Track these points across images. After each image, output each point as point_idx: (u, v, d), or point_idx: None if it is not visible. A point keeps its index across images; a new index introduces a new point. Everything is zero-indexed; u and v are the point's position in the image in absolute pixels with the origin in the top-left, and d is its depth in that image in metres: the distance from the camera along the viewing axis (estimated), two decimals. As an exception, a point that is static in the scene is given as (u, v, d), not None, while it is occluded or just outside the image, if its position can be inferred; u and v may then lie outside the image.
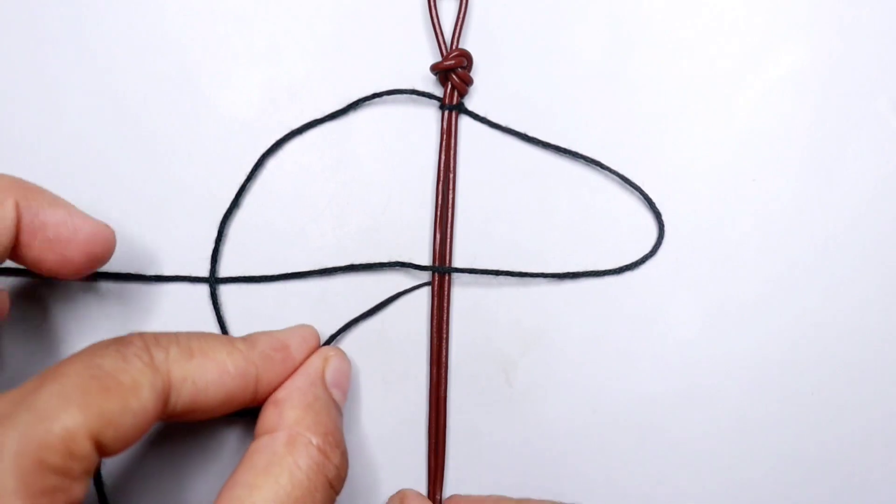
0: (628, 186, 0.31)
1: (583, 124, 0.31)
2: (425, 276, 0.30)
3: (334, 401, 0.25)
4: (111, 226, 0.25)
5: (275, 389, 0.25)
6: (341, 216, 0.30)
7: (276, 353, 0.25)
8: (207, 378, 0.22)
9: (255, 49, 0.31)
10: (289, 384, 0.25)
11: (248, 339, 0.25)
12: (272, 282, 0.29)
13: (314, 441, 0.23)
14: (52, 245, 0.24)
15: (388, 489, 0.29)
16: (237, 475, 0.22)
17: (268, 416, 0.24)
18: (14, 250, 0.24)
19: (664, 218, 0.30)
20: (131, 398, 0.20)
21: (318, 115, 0.30)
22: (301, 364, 0.26)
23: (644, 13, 0.32)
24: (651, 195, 0.30)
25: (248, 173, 0.30)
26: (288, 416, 0.23)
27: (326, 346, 0.28)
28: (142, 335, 0.22)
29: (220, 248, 0.29)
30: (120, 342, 0.21)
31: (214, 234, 0.29)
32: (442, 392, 0.29)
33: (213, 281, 0.29)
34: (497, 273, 0.29)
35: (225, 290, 0.29)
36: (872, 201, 0.31)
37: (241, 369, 0.23)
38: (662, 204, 0.30)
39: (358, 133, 0.31)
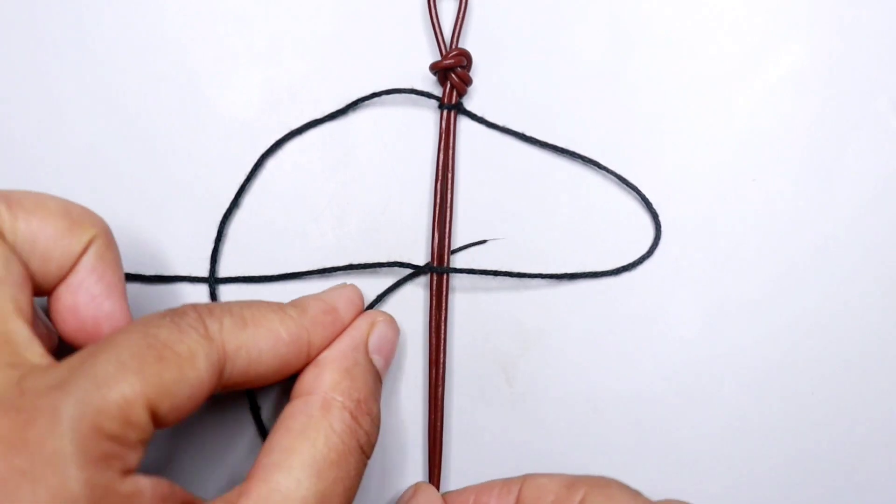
0: (627, 187, 0.31)
1: (582, 124, 0.31)
2: (424, 275, 0.30)
3: (374, 367, 0.26)
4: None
5: (325, 349, 0.25)
6: (341, 216, 0.30)
7: (326, 316, 0.25)
8: (261, 347, 0.23)
9: (255, 49, 0.31)
10: (333, 345, 0.25)
11: (298, 305, 0.25)
12: (272, 282, 0.29)
13: (348, 406, 0.23)
14: (76, 295, 0.23)
15: (387, 489, 0.29)
16: (273, 439, 0.22)
17: (306, 377, 0.24)
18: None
19: (664, 218, 0.30)
20: (187, 368, 0.20)
21: (318, 115, 0.30)
22: (348, 325, 0.26)
23: (644, 13, 0.32)
24: (651, 195, 0.30)
25: (247, 173, 0.30)
26: (325, 380, 0.24)
27: (375, 311, 0.27)
28: (195, 306, 0.22)
29: (220, 248, 0.29)
30: (174, 313, 0.22)
31: (214, 234, 0.29)
32: (440, 392, 0.29)
33: (213, 281, 0.29)
34: (495, 273, 0.29)
35: (224, 291, 0.29)
36: (872, 201, 0.31)
37: (293, 336, 0.24)
38: (662, 204, 0.30)
39: (357, 133, 0.31)
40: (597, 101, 0.31)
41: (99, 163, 0.30)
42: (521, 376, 0.30)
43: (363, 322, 0.26)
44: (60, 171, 0.29)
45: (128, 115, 0.30)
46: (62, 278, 0.23)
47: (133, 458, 0.19)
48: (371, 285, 0.30)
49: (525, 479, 0.27)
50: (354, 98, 0.30)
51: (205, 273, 0.29)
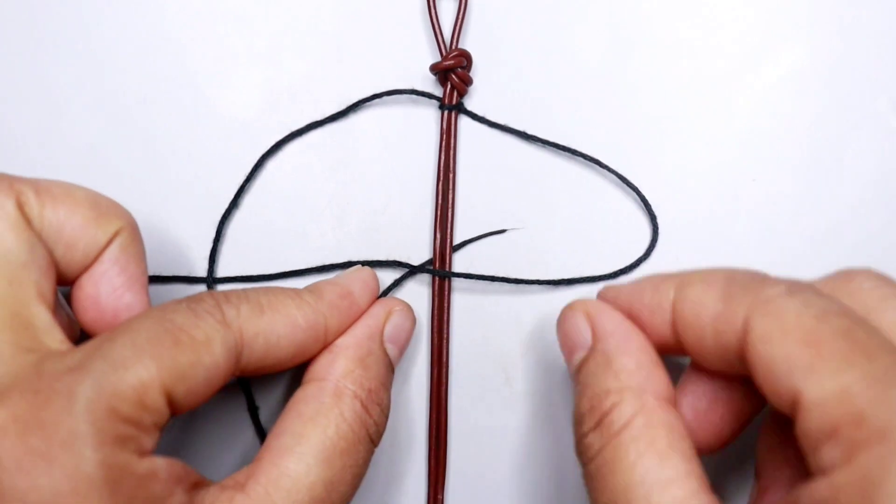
0: (627, 187, 0.30)
1: (582, 125, 0.31)
2: (426, 275, 0.30)
3: (387, 357, 0.26)
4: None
5: (341, 335, 0.25)
6: (341, 216, 0.30)
7: (343, 301, 0.25)
8: (279, 333, 0.23)
9: (255, 49, 0.31)
10: (348, 332, 0.25)
11: (314, 290, 0.25)
12: (270, 281, 0.29)
13: (359, 395, 0.23)
14: (98, 286, 0.23)
15: (389, 489, 0.29)
16: (284, 423, 0.23)
17: (320, 363, 0.24)
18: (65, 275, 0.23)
19: (664, 218, 0.30)
20: (204, 353, 0.20)
21: (319, 116, 0.30)
22: (365, 309, 0.26)
23: (644, 13, 0.32)
24: (650, 196, 0.30)
25: (247, 174, 0.30)
26: (338, 367, 0.24)
27: (393, 298, 0.28)
28: (212, 293, 0.22)
29: (219, 248, 0.29)
30: (191, 300, 0.22)
31: (213, 234, 0.29)
32: (443, 392, 0.29)
33: (211, 281, 0.29)
34: (493, 279, 0.29)
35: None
36: (872, 201, 0.31)
37: (310, 321, 0.24)
38: (662, 204, 0.30)
39: (357, 133, 0.31)
40: (597, 101, 0.31)
41: (99, 163, 0.30)
42: (521, 376, 0.30)
43: (380, 310, 0.26)
44: (60, 171, 0.29)
45: (128, 115, 0.30)
46: (86, 268, 0.23)
47: (147, 441, 0.20)
48: (371, 285, 0.30)
49: (678, 285, 0.22)
50: (354, 98, 0.30)
51: (204, 274, 0.29)
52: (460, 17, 0.31)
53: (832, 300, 0.20)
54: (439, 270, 0.29)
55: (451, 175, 0.30)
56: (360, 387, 0.24)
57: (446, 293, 0.29)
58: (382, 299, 0.27)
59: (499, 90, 0.31)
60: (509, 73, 0.31)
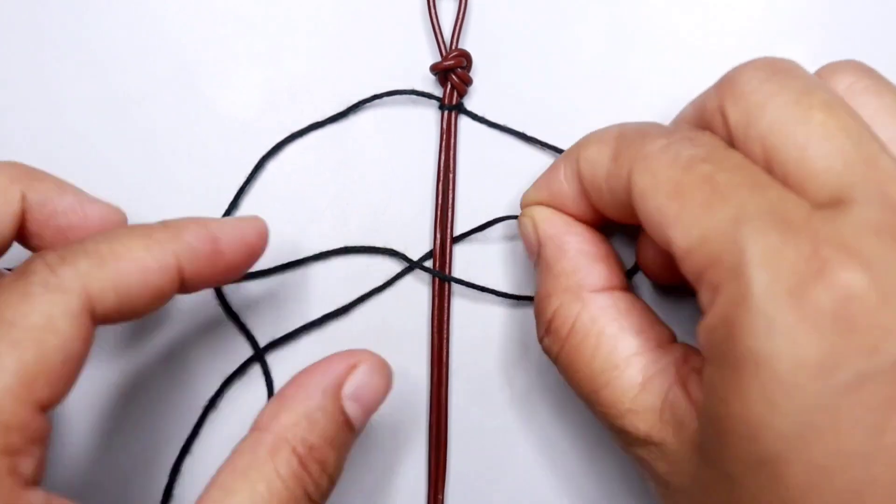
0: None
1: (582, 125, 0.31)
2: (426, 272, 0.30)
3: (342, 415, 0.23)
4: (122, 210, 0.25)
5: (205, 285, 0.23)
6: (341, 217, 0.30)
7: (203, 246, 0.23)
8: (129, 281, 0.21)
9: (255, 49, 0.31)
10: (303, 381, 0.23)
11: (171, 227, 0.23)
12: (268, 276, 0.29)
13: (298, 450, 0.21)
14: (64, 233, 0.23)
15: (389, 490, 0.29)
16: (219, 475, 0.21)
17: (267, 410, 0.23)
18: (25, 241, 0.23)
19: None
20: (49, 336, 0.19)
21: (318, 116, 0.30)
22: (232, 263, 0.24)
23: (644, 13, 0.32)
24: (651, 195, 0.30)
25: (248, 175, 0.30)
26: (282, 419, 0.22)
27: (361, 351, 0.24)
28: (43, 256, 0.20)
29: (219, 247, 0.29)
30: (20, 275, 0.20)
31: (214, 233, 0.29)
32: (443, 392, 0.29)
33: (212, 280, 0.29)
34: (494, 292, 0.29)
35: (223, 289, 0.29)
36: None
37: (161, 262, 0.22)
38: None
39: (357, 133, 0.31)
40: (597, 101, 0.31)
41: (98, 163, 0.30)
42: (521, 376, 0.30)
43: (340, 363, 0.23)
44: (60, 170, 0.29)
45: (128, 116, 0.30)
46: (15, 234, 0.23)
47: (27, 464, 0.18)
48: (371, 283, 0.29)
49: (578, 150, 0.24)
50: (354, 98, 0.30)
51: (204, 273, 0.29)
52: (460, 17, 0.31)
53: (706, 145, 0.20)
54: (439, 272, 0.29)
55: (451, 175, 0.30)
56: (301, 442, 0.21)
57: (446, 293, 0.29)
58: (350, 350, 0.24)
59: (499, 90, 0.31)
60: (509, 73, 0.31)
